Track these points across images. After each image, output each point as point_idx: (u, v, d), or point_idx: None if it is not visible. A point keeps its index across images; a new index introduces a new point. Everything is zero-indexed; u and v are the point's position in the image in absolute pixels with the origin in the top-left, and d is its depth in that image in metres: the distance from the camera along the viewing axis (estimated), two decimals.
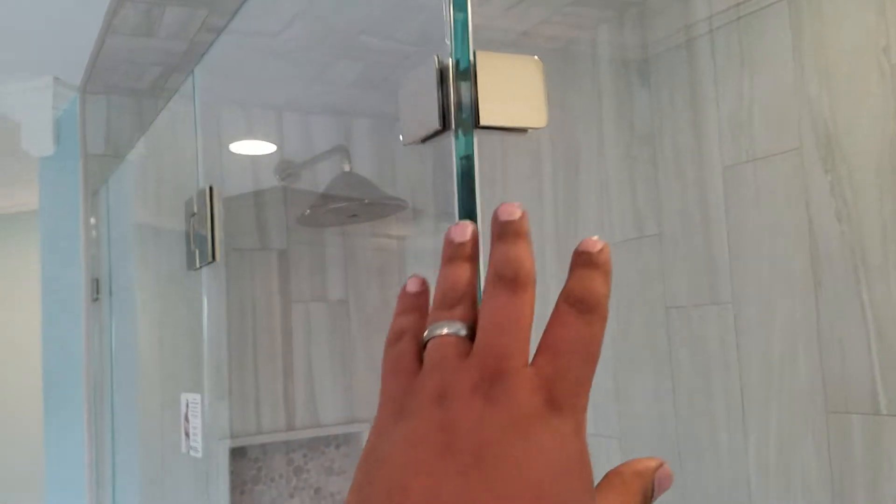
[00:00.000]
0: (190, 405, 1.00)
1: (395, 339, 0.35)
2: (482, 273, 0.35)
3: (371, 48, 1.64)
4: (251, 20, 1.45)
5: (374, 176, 2.03)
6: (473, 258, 0.36)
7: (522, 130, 0.46)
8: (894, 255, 1.08)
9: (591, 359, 0.31)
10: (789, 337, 1.25)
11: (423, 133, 0.46)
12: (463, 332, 0.32)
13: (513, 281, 0.32)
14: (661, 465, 0.33)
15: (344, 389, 2.07)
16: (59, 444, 1.79)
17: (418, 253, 2.20)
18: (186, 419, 1.02)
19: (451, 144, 0.44)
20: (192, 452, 1.00)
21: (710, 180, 1.43)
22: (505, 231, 0.34)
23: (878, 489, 1.09)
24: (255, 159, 2.05)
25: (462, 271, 0.35)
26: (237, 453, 1.95)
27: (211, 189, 0.90)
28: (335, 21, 1.55)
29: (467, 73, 0.45)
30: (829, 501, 1.18)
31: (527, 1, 1.55)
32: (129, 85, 1.79)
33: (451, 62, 0.45)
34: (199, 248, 0.91)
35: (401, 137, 0.48)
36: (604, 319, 0.32)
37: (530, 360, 0.31)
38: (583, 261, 0.33)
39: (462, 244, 0.36)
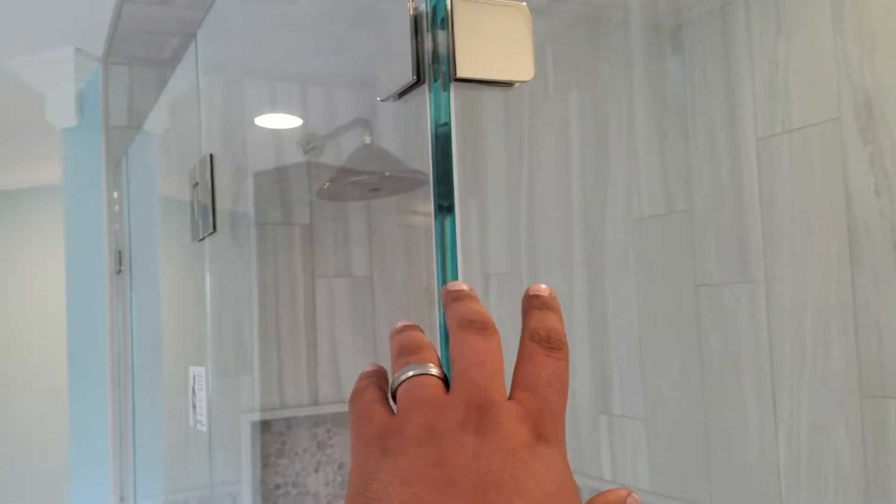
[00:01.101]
0: (196, 378, 0.99)
1: (358, 393, 0.35)
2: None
3: (388, 15, 1.60)
4: None
5: (400, 150, 1.99)
6: (421, 330, 0.37)
7: (508, 84, 0.42)
8: None
9: (565, 392, 0.32)
10: (823, 317, 1.18)
11: (398, 86, 0.42)
12: (434, 372, 0.32)
13: (482, 325, 0.34)
14: (629, 493, 0.33)
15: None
16: (83, 414, 1.81)
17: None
18: (193, 392, 1.00)
19: (426, 99, 0.40)
20: (198, 426, 0.99)
21: (743, 153, 1.36)
22: (459, 295, 0.36)
23: None
24: (279, 133, 2.03)
25: (415, 330, 0.36)
26: (263, 427, 1.95)
27: (211, 157, 0.87)
28: None
29: (445, 21, 0.40)
30: (863, 488, 1.12)
31: None
32: (150, 55, 1.77)
33: (426, 9, 0.41)
34: (202, 218, 0.88)
35: (377, 96, 0.45)
36: (567, 355, 0.33)
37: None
38: (539, 303, 0.35)
39: (409, 325, 0.37)
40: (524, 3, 0.42)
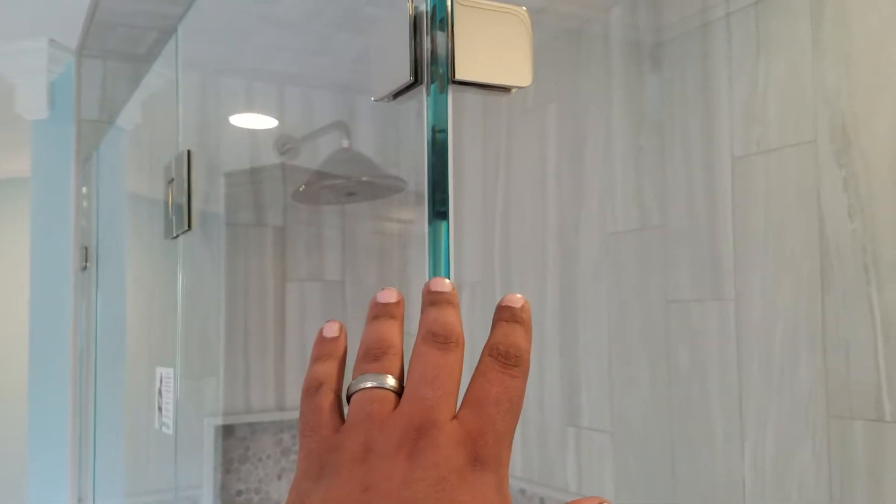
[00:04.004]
0: (163, 379, 0.96)
1: (313, 389, 0.34)
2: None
3: (374, 19, 1.59)
4: None
5: (378, 155, 1.98)
6: (398, 319, 0.36)
7: (505, 89, 0.42)
8: None
9: (515, 412, 0.32)
10: (792, 337, 1.20)
11: (394, 87, 0.41)
12: (390, 384, 0.32)
13: (444, 339, 0.33)
14: (601, 502, 0.33)
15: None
16: (43, 412, 1.76)
17: (419, 236, 2.16)
18: (160, 394, 0.98)
19: (423, 101, 0.40)
20: (163, 429, 0.97)
21: (718, 172, 1.37)
22: (437, 299, 0.35)
23: (880, 500, 1.05)
24: (254, 133, 2.01)
25: (387, 327, 0.35)
26: (226, 431, 1.92)
27: (189, 153, 0.86)
28: None
29: (444, 22, 0.40)
30: None
31: None
32: (125, 49, 1.74)
33: (426, 8, 0.40)
34: (176, 216, 0.87)
35: (372, 96, 0.44)
36: (526, 373, 0.32)
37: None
38: (507, 316, 0.34)
39: (387, 304, 0.36)
40: (524, 9, 0.42)
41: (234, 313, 1.93)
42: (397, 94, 0.42)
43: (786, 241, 1.23)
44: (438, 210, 0.38)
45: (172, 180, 0.88)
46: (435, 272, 0.38)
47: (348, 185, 1.64)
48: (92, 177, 1.65)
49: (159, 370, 1.02)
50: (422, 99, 0.40)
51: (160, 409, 0.97)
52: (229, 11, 1.27)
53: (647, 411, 1.47)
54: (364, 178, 1.58)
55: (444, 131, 0.39)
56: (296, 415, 1.70)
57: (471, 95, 0.42)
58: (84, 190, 1.68)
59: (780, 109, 1.25)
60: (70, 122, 1.70)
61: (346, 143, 1.67)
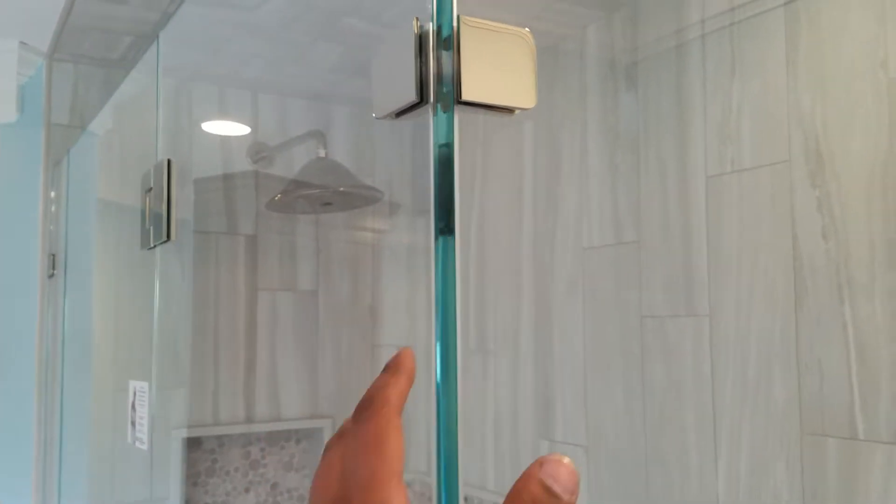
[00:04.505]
0: (137, 393, 0.94)
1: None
2: None
3: (353, 31, 1.58)
4: None
5: (352, 166, 1.97)
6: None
7: (508, 111, 0.41)
8: (881, 275, 1.05)
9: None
10: (766, 354, 1.21)
11: (398, 106, 0.41)
12: None
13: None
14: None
15: (308, 383, 2.01)
16: (6, 423, 1.71)
17: (392, 247, 2.15)
18: (133, 408, 0.95)
19: (429, 120, 0.39)
20: (137, 444, 0.94)
21: (692, 190, 1.39)
22: (393, 371, 0.39)
23: None
24: (226, 140, 1.99)
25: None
26: (192, 444, 1.88)
27: (169, 162, 0.84)
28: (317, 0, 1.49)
29: (450, 42, 0.40)
30: None
31: None
32: (98, 54, 1.71)
33: (431, 28, 0.40)
34: (154, 225, 0.85)
35: (374, 114, 0.43)
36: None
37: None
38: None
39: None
40: (528, 31, 0.42)
41: (203, 323, 1.90)
42: (400, 113, 0.41)
43: (760, 259, 1.24)
44: (445, 226, 0.37)
45: (150, 189, 0.87)
46: (443, 287, 0.38)
47: (325, 195, 1.62)
48: (61, 182, 1.62)
49: (133, 384, 1.00)
50: (427, 118, 0.39)
51: (133, 423, 0.95)
52: (206, 19, 1.26)
53: (622, 426, 1.48)
54: (341, 189, 1.57)
55: (451, 150, 0.38)
56: (265, 427, 1.67)
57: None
58: (52, 194, 1.64)
59: (754, 129, 1.27)
60: (39, 125, 1.66)
61: (322, 153, 1.66)
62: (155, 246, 0.85)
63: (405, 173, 2.16)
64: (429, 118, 0.39)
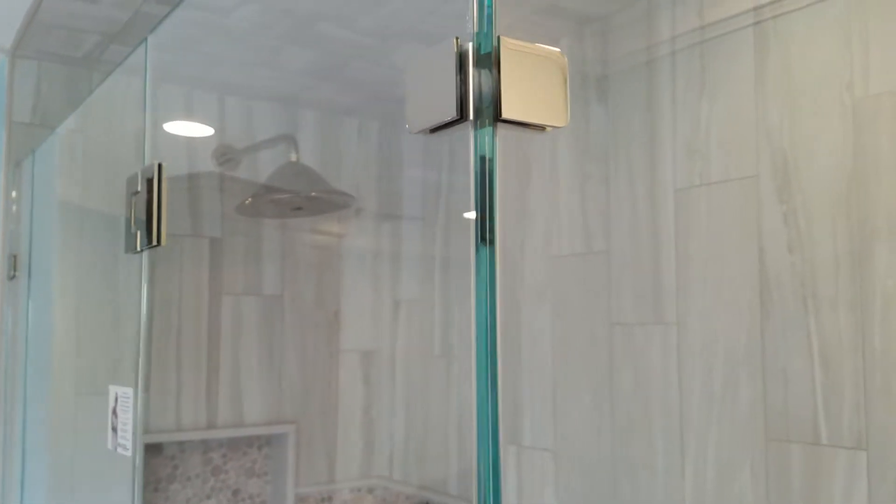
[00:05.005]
0: (120, 399, 0.93)
1: None
2: None
3: (327, 36, 1.58)
4: None
5: (320, 169, 1.96)
6: None
7: (541, 128, 0.43)
8: (844, 287, 1.10)
9: None
10: (732, 362, 1.25)
11: (435, 122, 0.42)
12: None
13: None
14: None
15: (272, 388, 1.99)
16: None
17: (357, 252, 2.15)
18: (115, 413, 0.94)
19: (469, 137, 0.40)
20: (119, 450, 0.93)
21: (661, 201, 1.43)
22: None
23: None
24: (190, 141, 1.96)
25: None
26: (153, 450, 1.85)
27: (160, 167, 0.84)
28: (292, 5, 1.49)
29: (488, 60, 0.41)
30: None
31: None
32: (63, 52, 1.67)
33: (471, 46, 0.41)
34: (142, 229, 0.84)
35: (408, 127, 0.44)
36: None
37: None
38: None
39: None
40: (559, 51, 0.43)
41: (165, 327, 1.86)
42: (436, 129, 0.42)
43: (727, 270, 1.29)
44: (486, 236, 0.39)
45: (137, 192, 0.86)
46: (481, 295, 0.39)
47: (296, 200, 1.62)
48: (24, 182, 1.58)
49: (114, 389, 0.98)
50: (466, 135, 0.40)
51: (115, 429, 0.93)
52: (177, 21, 1.25)
53: (590, 431, 1.51)
54: (313, 194, 1.57)
55: (493, 166, 0.39)
56: (227, 433, 1.66)
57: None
58: (14, 194, 1.60)
59: (723, 145, 1.32)
60: (0, 124, 1.62)
61: (294, 157, 1.65)
62: (142, 250, 0.84)
63: (371, 177, 2.17)
64: (468, 134, 0.41)
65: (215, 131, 1.95)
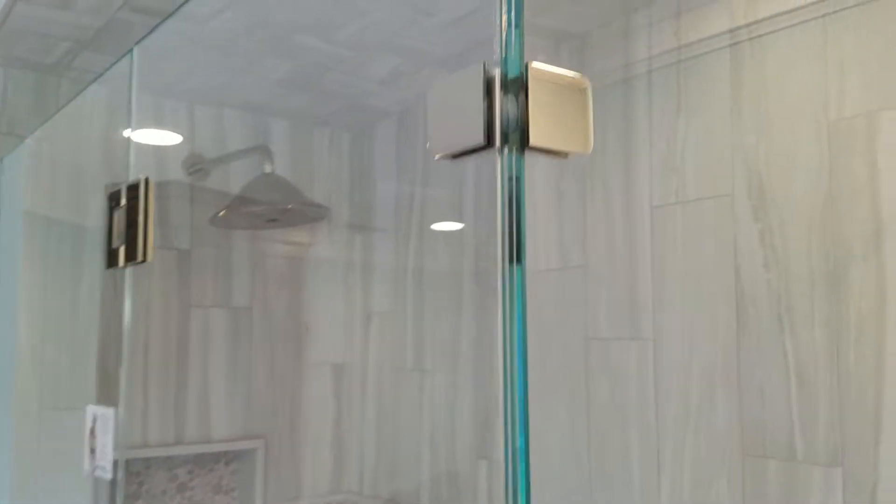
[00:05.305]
0: (99, 419, 0.90)
1: None
2: None
3: (305, 47, 1.57)
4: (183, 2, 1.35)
5: (291, 179, 1.94)
6: None
7: (564, 154, 0.43)
8: (819, 306, 1.12)
9: None
10: (709, 378, 1.27)
11: (462, 147, 0.41)
12: None
13: None
14: None
15: (241, 403, 1.96)
16: None
17: (329, 263, 2.13)
18: (93, 434, 0.91)
19: (496, 162, 0.40)
20: (98, 472, 0.90)
21: (638, 218, 1.44)
22: None
23: None
24: (158, 150, 1.92)
25: None
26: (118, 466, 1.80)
27: (147, 181, 0.82)
28: (271, 16, 1.47)
29: (515, 85, 0.41)
30: None
31: None
32: (32, 58, 1.63)
33: (498, 72, 0.41)
34: (126, 244, 0.82)
35: (429, 146, 0.44)
36: None
37: None
38: None
39: None
40: (582, 77, 0.44)
41: (132, 342, 1.82)
42: (460, 154, 0.42)
43: (703, 286, 1.30)
44: (514, 254, 0.39)
45: (119, 206, 0.83)
46: (509, 313, 0.39)
47: (271, 212, 1.60)
48: None
49: (91, 409, 0.95)
50: (493, 160, 0.40)
51: (93, 451, 0.90)
52: (163, 34, 1.23)
53: (566, 445, 1.51)
54: (289, 206, 1.55)
55: (521, 191, 0.39)
56: (193, 449, 1.63)
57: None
58: None
59: (699, 164, 1.34)
60: None
61: (268, 168, 1.63)
62: (126, 266, 0.82)
63: (343, 188, 2.15)
64: (494, 159, 0.40)
65: (184, 139, 1.92)
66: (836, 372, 1.09)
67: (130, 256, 0.80)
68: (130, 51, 0.95)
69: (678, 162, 1.37)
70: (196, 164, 1.92)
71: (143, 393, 1.80)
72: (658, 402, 1.35)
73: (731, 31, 1.30)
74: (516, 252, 0.38)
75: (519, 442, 0.38)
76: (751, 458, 1.19)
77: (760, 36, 1.26)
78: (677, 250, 1.36)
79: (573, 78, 0.42)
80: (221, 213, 1.61)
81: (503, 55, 0.41)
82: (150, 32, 0.92)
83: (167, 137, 1.94)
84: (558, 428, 1.53)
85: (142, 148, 1.91)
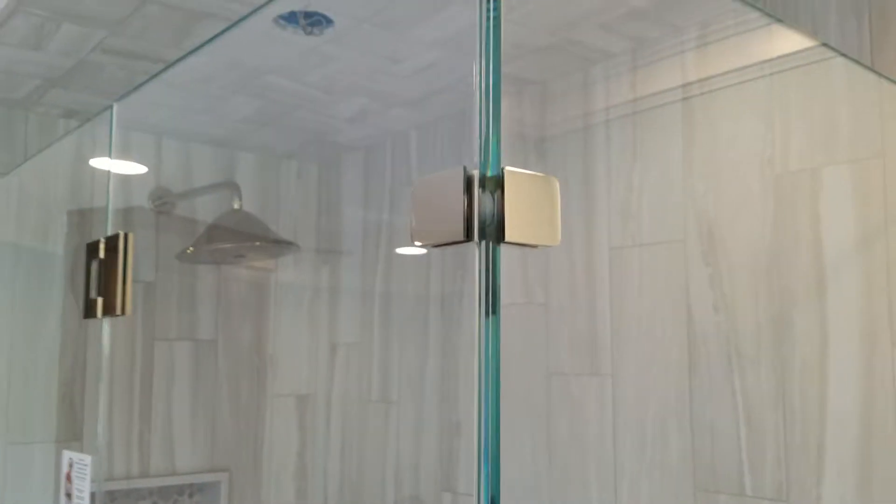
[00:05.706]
0: (75, 465, 0.91)
1: None
2: None
3: (274, 87, 1.61)
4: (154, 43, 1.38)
5: (258, 212, 1.97)
6: None
7: (534, 246, 0.48)
8: (766, 348, 1.19)
9: None
10: (663, 415, 1.33)
11: (444, 240, 0.46)
12: None
13: None
14: None
15: (205, 435, 1.96)
16: None
17: (294, 295, 2.15)
18: (69, 480, 0.92)
19: (475, 254, 0.45)
20: None
21: (597, 258, 1.51)
22: None
23: None
24: (125, 180, 1.93)
25: None
26: None
27: (126, 236, 0.84)
28: (244, 58, 1.51)
29: (492, 184, 0.46)
30: None
31: None
32: (0, 94, 1.64)
33: (476, 174, 0.46)
34: (105, 297, 0.84)
35: (412, 237, 0.48)
36: None
37: None
38: None
39: None
40: (554, 177, 0.49)
41: (97, 375, 1.82)
42: (441, 245, 0.47)
43: (657, 326, 1.37)
44: (490, 308, 0.44)
45: (99, 259, 0.86)
46: (485, 363, 0.44)
47: (239, 249, 1.62)
48: None
49: (67, 455, 0.96)
50: (472, 253, 0.45)
51: (69, 495, 0.92)
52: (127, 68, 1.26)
53: (527, 478, 1.56)
54: (257, 244, 1.58)
55: (497, 273, 0.44)
56: (158, 482, 1.63)
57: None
58: None
59: (653, 209, 1.41)
60: None
61: (237, 205, 1.66)
62: (104, 317, 0.85)
63: (310, 219, 2.18)
64: (474, 252, 0.45)
65: (149, 170, 1.94)
66: (781, 412, 1.16)
67: (108, 310, 0.82)
68: (111, 107, 0.98)
69: (634, 207, 1.44)
70: (162, 198, 1.93)
71: (108, 426, 1.80)
72: (616, 437, 1.40)
73: (683, 85, 1.37)
74: (492, 307, 0.44)
75: (493, 490, 0.43)
76: (702, 492, 1.25)
77: (711, 91, 1.34)
78: (634, 291, 1.42)
79: (543, 178, 0.47)
80: (189, 251, 1.63)
81: (482, 159, 0.46)
82: (133, 90, 0.95)
83: (130, 167, 1.95)
84: (520, 460, 1.58)
85: (101, 175, 1.91)
